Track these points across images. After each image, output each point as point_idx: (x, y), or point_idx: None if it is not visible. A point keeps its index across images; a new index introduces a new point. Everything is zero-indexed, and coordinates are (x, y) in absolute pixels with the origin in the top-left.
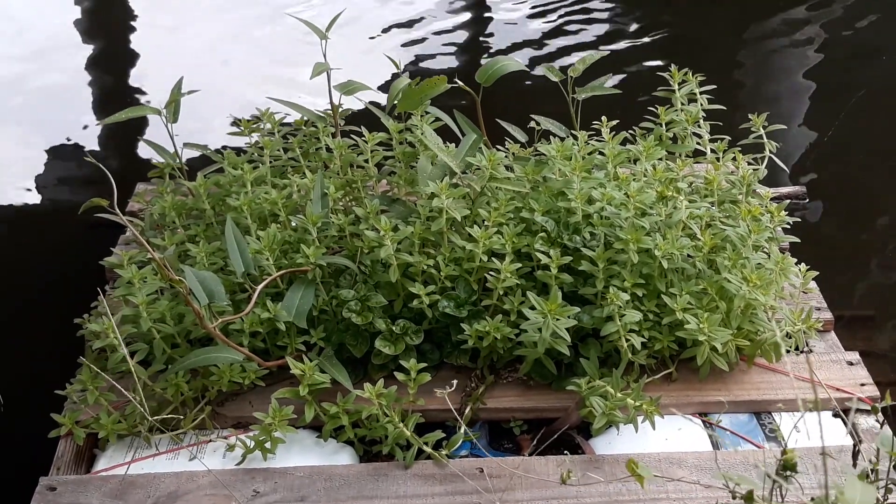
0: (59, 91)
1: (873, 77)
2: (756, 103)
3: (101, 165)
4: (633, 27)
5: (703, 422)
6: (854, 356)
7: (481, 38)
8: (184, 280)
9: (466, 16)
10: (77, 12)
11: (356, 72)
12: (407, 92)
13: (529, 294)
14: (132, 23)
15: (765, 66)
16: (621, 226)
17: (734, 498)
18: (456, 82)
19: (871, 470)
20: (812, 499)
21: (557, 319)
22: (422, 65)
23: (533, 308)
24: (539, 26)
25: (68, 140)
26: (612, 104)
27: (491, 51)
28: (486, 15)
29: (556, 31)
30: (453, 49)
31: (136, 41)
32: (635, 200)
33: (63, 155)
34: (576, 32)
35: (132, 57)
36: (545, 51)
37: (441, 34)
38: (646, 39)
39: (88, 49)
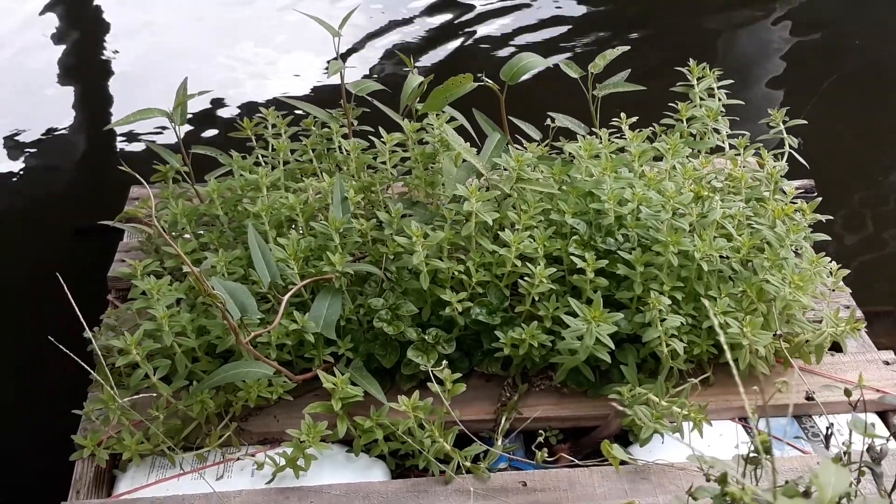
0: (44, 94)
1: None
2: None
3: (137, 175)
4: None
5: (745, 427)
6: (889, 355)
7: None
8: (219, 294)
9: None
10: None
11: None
12: (434, 92)
13: (571, 300)
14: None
15: (734, 51)
16: (656, 227)
17: (708, 480)
18: (483, 80)
19: (844, 453)
20: (787, 482)
21: (599, 326)
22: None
23: (573, 315)
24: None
25: (51, 145)
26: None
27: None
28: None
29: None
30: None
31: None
32: (673, 201)
33: (46, 160)
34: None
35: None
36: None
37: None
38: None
39: (75, 52)
